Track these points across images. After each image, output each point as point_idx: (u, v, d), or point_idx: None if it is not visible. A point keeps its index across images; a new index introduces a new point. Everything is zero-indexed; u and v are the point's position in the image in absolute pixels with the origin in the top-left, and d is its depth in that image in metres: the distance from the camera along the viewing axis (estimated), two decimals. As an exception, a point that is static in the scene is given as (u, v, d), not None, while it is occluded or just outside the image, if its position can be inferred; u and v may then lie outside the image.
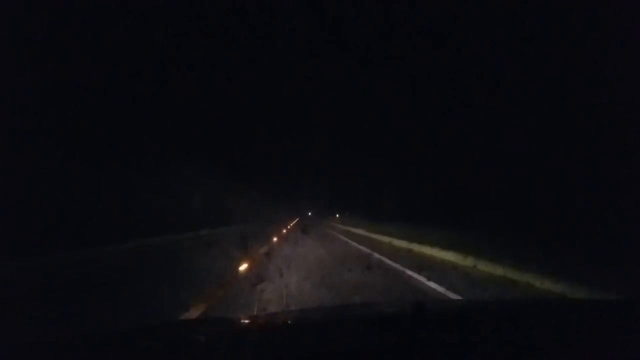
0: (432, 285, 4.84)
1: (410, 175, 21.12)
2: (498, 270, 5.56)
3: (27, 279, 6.09)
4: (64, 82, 11.29)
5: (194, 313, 3.48)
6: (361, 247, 10.68)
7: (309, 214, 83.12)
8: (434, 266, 6.56)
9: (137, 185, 15.03)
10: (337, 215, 41.86)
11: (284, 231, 19.76)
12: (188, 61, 23.46)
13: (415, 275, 5.60)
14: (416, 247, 9.26)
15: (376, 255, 8.48)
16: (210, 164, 23.47)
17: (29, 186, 9.36)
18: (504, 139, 11.98)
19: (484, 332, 1.10)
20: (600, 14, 9.42)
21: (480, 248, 6.83)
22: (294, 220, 43.35)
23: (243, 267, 6.40)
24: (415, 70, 21.95)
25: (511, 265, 5.33)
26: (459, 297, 4.15)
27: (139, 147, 15.82)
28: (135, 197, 14.56)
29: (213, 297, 4.20)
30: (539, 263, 4.99)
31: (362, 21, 26.66)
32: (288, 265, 6.41)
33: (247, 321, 1.60)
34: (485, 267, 5.94)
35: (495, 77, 12.98)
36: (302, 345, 1.08)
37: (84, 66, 12.23)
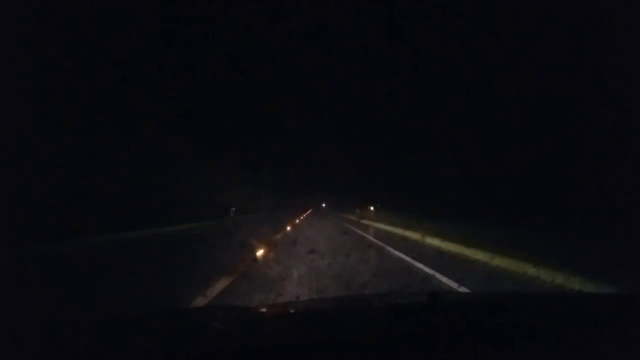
0: None
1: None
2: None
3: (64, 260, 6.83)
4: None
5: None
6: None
7: (323, 205, 75.41)
8: None
9: (178, 181, 17.61)
10: (372, 208, 24.61)
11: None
12: (195, 59, 24.30)
13: None
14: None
15: None
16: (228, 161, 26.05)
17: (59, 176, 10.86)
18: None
19: (497, 324, 1.07)
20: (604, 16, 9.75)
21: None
22: (303, 213, 33.16)
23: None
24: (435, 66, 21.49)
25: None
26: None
27: (176, 147, 18.27)
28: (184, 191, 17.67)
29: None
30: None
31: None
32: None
33: (262, 309, 1.59)
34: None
35: (506, 75, 12.91)
36: (317, 332, 1.06)
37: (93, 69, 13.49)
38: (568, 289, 3.88)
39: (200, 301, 3.43)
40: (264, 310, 1.51)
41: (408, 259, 6.26)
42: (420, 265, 5.52)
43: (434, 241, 8.57)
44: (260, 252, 6.90)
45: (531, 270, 4.77)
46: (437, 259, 6.35)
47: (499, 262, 5.59)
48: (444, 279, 4.50)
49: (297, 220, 21.36)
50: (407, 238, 10.01)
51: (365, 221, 19.52)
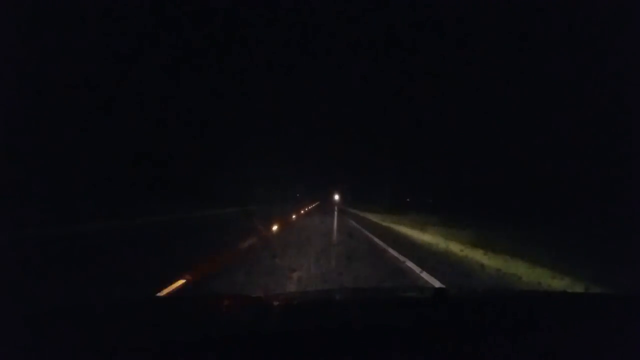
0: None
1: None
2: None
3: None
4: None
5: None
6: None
7: (336, 198, 70.28)
8: None
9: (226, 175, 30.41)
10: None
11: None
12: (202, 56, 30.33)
13: None
14: None
15: None
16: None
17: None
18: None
19: (502, 321, 1.09)
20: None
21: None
22: (302, 208, 30.58)
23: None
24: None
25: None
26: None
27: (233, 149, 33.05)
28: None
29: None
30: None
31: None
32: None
33: (268, 299, 1.61)
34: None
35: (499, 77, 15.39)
36: (323, 322, 1.08)
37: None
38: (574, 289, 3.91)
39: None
40: (270, 299, 1.54)
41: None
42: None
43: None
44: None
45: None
46: None
47: None
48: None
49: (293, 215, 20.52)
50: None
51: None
